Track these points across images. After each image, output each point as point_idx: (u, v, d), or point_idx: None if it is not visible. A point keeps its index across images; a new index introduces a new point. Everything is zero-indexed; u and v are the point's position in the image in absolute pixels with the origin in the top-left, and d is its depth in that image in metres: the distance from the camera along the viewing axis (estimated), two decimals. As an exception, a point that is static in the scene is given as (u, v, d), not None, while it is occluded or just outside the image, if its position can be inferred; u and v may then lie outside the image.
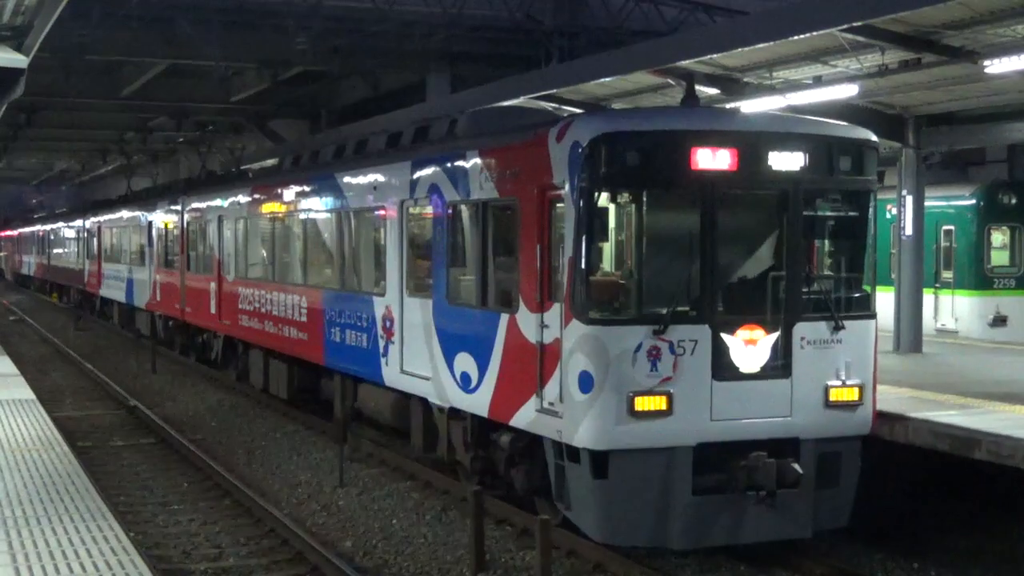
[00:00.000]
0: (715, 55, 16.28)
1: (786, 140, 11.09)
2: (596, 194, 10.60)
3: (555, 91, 19.20)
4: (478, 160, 12.61)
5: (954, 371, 15.59)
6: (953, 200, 21.97)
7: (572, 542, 11.76)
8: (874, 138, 11.81)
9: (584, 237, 10.51)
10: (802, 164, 11.04)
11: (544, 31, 32.52)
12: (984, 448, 10.53)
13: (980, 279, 21.65)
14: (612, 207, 11.16)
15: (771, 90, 16.83)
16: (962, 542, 12.19)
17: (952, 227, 21.89)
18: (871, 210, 11.68)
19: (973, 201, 21.84)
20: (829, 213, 11.75)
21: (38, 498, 10.52)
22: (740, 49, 15.63)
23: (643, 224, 10.86)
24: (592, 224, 10.57)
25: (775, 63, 16.34)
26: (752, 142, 10.94)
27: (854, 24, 13.92)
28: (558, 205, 11.00)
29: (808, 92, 16.30)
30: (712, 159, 10.69)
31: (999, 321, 21.26)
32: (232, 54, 31.43)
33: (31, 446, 12.95)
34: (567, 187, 10.71)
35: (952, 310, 21.72)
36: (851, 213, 11.72)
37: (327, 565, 11.58)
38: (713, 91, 17.31)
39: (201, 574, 11.71)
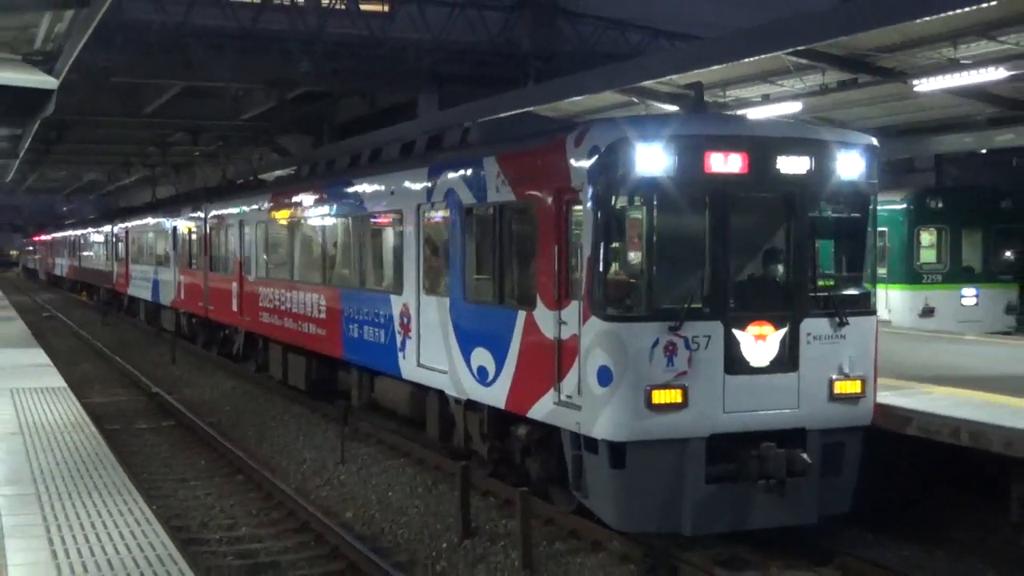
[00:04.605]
0: (674, 76, 16.35)
1: (793, 144, 10.51)
2: (613, 196, 10.01)
3: (532, 108, 19.23)
4: (495, 165, 11.91)
5: (889, 357, 15.61)
6: (887, 204, 22.06)
7: (549, 511, 11.73)
8: (875, 142, 11.16)
9: (602, 237, 9.93)
10: (808, 167, 10.47)
11: (522, 54, 32.60)
12: (915, 425, 10.56)
13: (911, 275, 21.76)
14: (628, 208, 10.39)
15: (725, 107, 16.90)
16: (921, 523, 12.01)
17: (886, 228, 22.00)
18: (871, 211, 11.11)
19: (904, 205, 21.94)
20: (833, 214, 11.14)
21: (69, 475, 10.48)
22: (697, 70, 15.69)
23: (658, 225, 10.19)
24: (609, 225, 10.00)
25: (728, 83, 16.43)
26: (761, 146, 10.36)
27: (798, 48, 14.02)
28: (575, 207, 10.40)
29: (758, 109, 16.39)
30: (724, 163, 10.13)
31: (927, 312, 21.38)
32: (242, 76, 31.39)
33: (63, 429, 12.90)
34: (585, 190, 10.10)
35: (886, 302, 21.80)
36: (853, 214, 11.12)
37: (330, 533, 11.58)
38: (672, 108, 17.36)
39: (217, 543, 11.69)
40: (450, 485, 13.15)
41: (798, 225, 10.55)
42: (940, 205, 21.89)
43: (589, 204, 10.03)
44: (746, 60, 14.66)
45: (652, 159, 9.89)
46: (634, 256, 10.46)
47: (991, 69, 13.34)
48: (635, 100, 17.60)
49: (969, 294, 21.59)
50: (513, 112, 19.04)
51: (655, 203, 10.09)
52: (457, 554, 11.04)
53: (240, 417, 19.22)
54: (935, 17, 12.41)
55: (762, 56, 14.38)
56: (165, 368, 26.02)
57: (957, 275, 21.69)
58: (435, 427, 13.89)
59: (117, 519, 8.90)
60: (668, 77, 16.49)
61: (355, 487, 13.89)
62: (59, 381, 17.07)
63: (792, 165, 10.37)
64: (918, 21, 12.66)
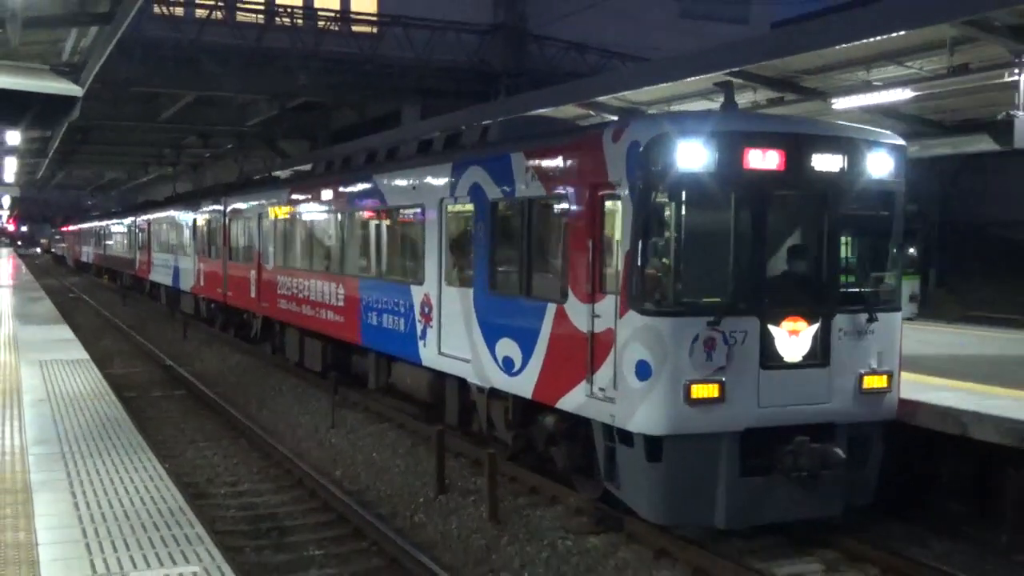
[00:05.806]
0: (626, 92, 16.42)
1: (827, 142, 9.50)
2: (653, 192, 8.90)
3: (503, 119, 19.19)
4: (523, 160, 10.78)
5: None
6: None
7: (513, 471, 11.77)
8: (903, 142, 10.15)
9: (641, 233, 8.90)
10: (841, 165, 9.49)
11: (495, 72, 32.63)
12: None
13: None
14: (668, 203, 9.12)
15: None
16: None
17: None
18: (899, 209, 10.04)
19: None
20: (864, 212, 10.01)
21: (91, 437, 10.47)
22: (645, 88, 15.77)
23: (697, 220, 9.14)
24: (649, 220, 8.93)
25: (672, 99, 16.50)
26: (797, 144, 9.35)
27: (733, 69, 14.09)
28: (609, 202, 9.41)
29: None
30: (762, 159, 9.13)
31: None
32: (248, 87, 31.17)
33: (86, 396, 12.86)
34: (624, 185, 9.07)
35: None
36: (883, 212, 10.04)
37: (321, 489, 11.62)
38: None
39: (222, 496, 11.72)
40: (427, 447, 13.23)
41: (831, 222, 9.60)
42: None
43: (628, 199, 9.02)
44: (688, 79, 14.74)
45: (692, 155, 8.89)
46: (673, 251, 9.21)
47: (899, 90, 13.46)
48: (592, 113, 17.64)
49: (879, 285, 21.80)
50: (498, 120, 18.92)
51: (695, 199, 9.04)
52: (432, 507, 11.10)
53: (243, 387, 19.18)
54: (851, 44, 12.53)
55: (702, 76, 14.45)
56: (178, 344, 25.89)
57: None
58: (455, 413, 13.00)
59: (133, 476, 8.91)
60: (620, 93, 16.56)
61: (344, 449, 13.92)
62: (83, 354, 16.99)
63: (826, 163, 9.45)
64: (836, 47, 12.78)
